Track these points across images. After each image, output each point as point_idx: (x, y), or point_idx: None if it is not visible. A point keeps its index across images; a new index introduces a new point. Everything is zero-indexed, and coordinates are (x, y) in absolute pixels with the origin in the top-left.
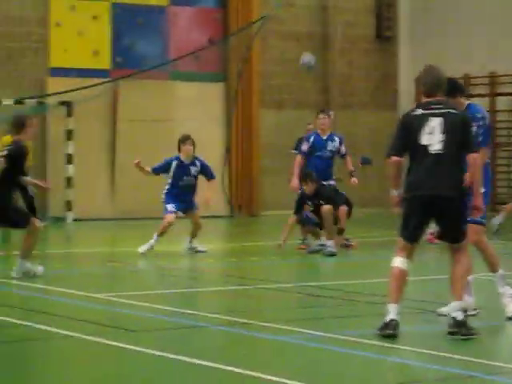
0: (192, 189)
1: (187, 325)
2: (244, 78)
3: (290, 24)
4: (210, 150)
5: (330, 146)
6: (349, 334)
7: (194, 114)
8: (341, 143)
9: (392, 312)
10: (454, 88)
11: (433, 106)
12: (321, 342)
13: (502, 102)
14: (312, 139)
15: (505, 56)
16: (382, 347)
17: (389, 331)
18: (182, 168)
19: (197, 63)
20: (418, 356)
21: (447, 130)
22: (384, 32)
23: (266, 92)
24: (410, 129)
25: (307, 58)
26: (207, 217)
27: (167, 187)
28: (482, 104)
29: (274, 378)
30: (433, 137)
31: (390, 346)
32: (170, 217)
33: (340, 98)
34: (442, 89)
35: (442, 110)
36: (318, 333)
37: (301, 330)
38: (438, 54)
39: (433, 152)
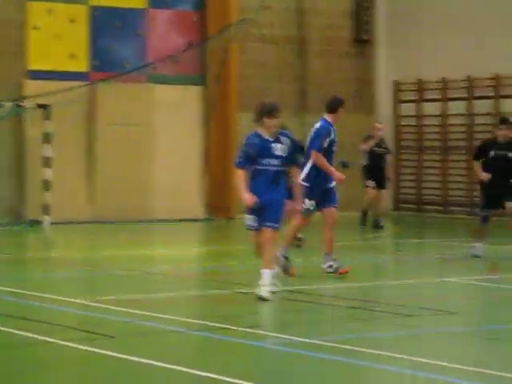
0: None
1: (166, 330)
2: (222, 81)
3: (267, 27)
4: (189, 152)
5: None
6: (326, 339)
7: (173, 116)
8: None
9: None
10: None
11: None
12: (301, 348)
13: (478, 106)
14: None
15: (481, 59)
16: (359, 352)
17: None
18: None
19: (175, 66)
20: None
21: None
22: (362, 35)
23: (245, 95)
24: None
25: None
26: (185, 220)
27: None
28: (458, 107)
29: None
30: None
31: (370, 351)
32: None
33: (317, 101)
34: None
35: None
36: (296, 338)
37: (281, 335)
38: (416, 57)
39: None
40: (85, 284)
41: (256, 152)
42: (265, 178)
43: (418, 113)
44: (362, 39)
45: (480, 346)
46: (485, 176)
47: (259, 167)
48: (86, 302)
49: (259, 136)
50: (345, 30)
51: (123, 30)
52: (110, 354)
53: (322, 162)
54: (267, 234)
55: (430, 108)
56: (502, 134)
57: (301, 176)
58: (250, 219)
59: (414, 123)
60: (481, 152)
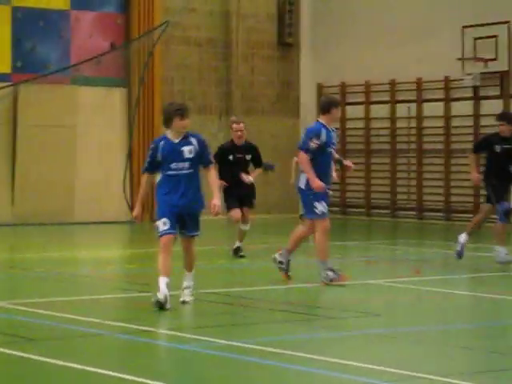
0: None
1: (88, 333)
2: (146, 84)
3: (192, 30)
4: (112, 155)
5: None
6: (248, 341)
7: (96, 119)
8: None
9: None
10: None
11: None
12: (222, 350)
13: (401, 109)
14: None
15: (404, 63)
16: (280, 354)
17: None
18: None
19: (98, 68)
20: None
21: None
22: (286, 39)
23: (168, 97)
24: None
25: None
26: (108, 223)
27: None
28: (381, 111)
29: None
30: None
31: (290, 353)
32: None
33: (243, 103)
34: None
35: None
36: (218, 340)
37: (201, 337)
38: (340, 60)
39: None
40: (5, 286)
41: (163, 156)
42: (176, 182)
43: (342, 116)
44: (285, 42)
45: (402, 348)
46: (477, 178)
47: (168, 172)
48: (6, 305)
49: (166, 139)
50: (269, 33)
51: (46, 31)
52: (29, 357)
53: (305, 164)
54: (192, 242)
55: (354, 111)
56: (504, 129)
57: (302, 183)
58: (165, 223)
59: (337, 126)
60: (483, 145)
